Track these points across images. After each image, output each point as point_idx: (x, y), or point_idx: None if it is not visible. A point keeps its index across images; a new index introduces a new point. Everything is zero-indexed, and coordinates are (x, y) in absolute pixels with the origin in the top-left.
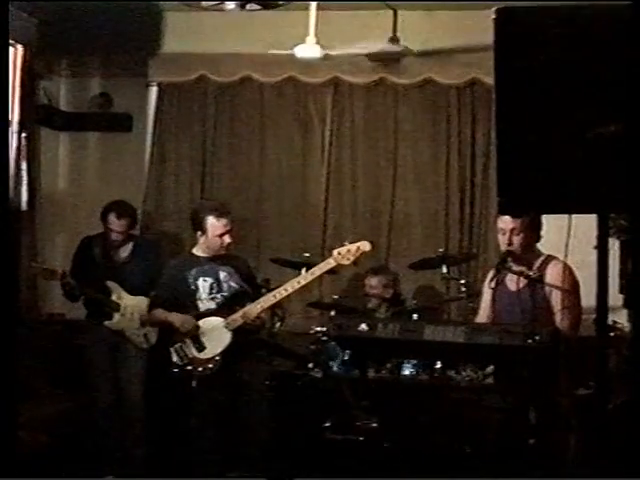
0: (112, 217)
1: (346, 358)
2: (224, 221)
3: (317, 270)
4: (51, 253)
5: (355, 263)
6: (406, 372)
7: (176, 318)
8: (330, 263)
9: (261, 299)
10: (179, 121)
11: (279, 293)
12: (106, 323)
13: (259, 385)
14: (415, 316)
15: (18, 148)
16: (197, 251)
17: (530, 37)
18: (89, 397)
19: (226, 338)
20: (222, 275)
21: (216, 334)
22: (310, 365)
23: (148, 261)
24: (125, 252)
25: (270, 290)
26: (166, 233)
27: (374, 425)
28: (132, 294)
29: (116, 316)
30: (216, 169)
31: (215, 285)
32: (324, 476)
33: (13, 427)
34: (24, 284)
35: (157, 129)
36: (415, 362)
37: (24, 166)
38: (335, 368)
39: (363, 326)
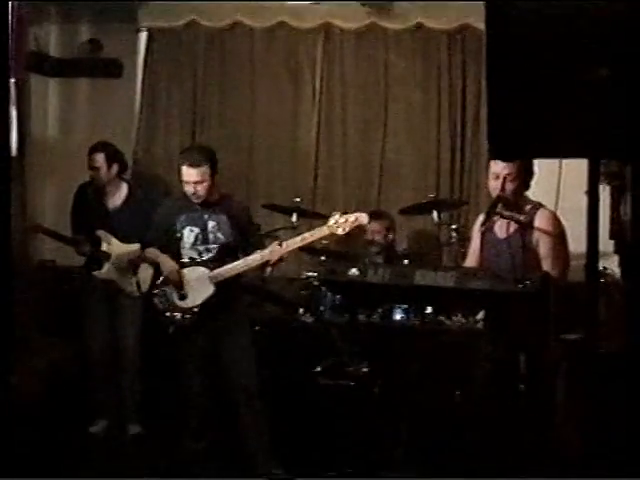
0: (97, 156)
1: (337, 303)
2: (194, 171)
3: (309, 236)
4: (41, 200)
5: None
6: (397, 317)
7: (164, 263)
8: (324, 231)
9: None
10: (169, 67)
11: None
12: (95, 273)
13: (248, 333)
14: (406, 261)
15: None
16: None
17: None
18: (83, 345)
19: (208, 290)
20: (210, 225)
21: (199, 284)
22: (301, 310)
23: (142, 208)
24: (119, 199)
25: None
26: (158, 178)
27: (365, 370)
28: (125, 241)
29: (106, 265)
30: (206, 115)
31: (200, 236)
32: (315, 423)
33: (8, 376)
34: (14, 231)
35: (147, 75)
36: (406, 307)
37: (13, 112)
38: (326, 313)
39: (354, 271)
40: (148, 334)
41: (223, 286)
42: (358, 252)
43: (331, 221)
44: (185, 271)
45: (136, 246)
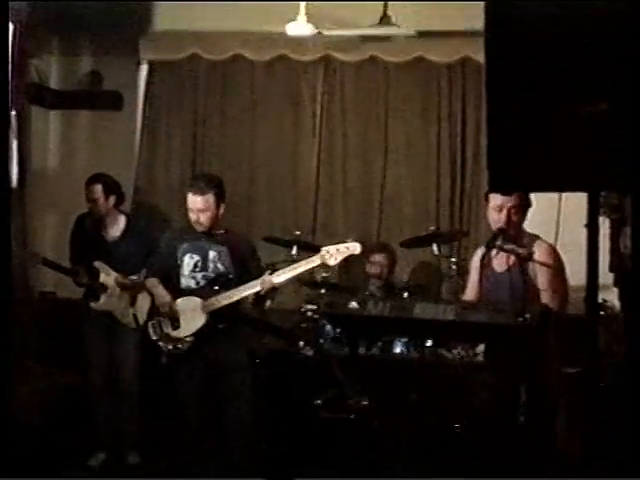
0: (95, 188)
1: (337, 336)
2: (197, 198)
3: (300, 267)
4: (41, 231)
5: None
6: (397, 350)
7: (158, 294)
8: (314, 261)
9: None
10: (170, 99)
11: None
12: (92, 305)
13: (242, 366)
14: (406, 294)
15: (8, 126)
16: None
17: (521, 14)
18: (82, 375)
19: (200, 320)
20: (211, 254)
21: (192, 314)
22: (301, 343)
23: (140, 240)
24: (117, 231)
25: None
26: (157, 210)
27: (365, 403)
28: (123, 273)
29: (103, 297)
30: (207, 147)
31: (200, 263)
32: (316, 455)
33: (8, 405)
34: (15, 263)
35: (148, 107)
36: (406, 340)
37: (14, 144)
38: (326, 346)
39: (354, 304)
40: (147, 365)
41: (216, 316)
42: (358, 285)
43: (322, 251)
44: (179, 301)
45: (133, 278)
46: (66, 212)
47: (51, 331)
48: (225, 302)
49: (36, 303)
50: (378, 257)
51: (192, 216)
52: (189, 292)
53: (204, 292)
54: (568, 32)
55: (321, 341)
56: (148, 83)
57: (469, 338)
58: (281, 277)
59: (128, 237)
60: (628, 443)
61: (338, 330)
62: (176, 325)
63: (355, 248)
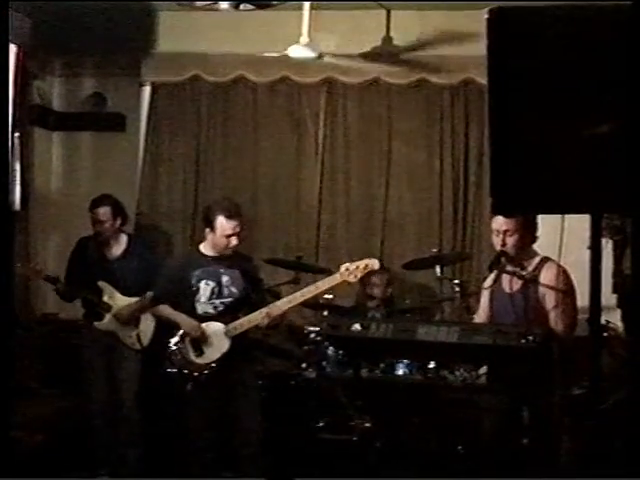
0: (103, 210)
1: (340, 358)
2: (233, 223)
3: (322, 284)
4: (44, 253)
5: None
6: (400, 372)
7: (184, 321)
8: (336, 279)
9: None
10: (173, 121)
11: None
12: (96, 324)
13: (255, 387)
14: (408, 316)
15: (11, 148)
16: (204, 248)
17: (523, 37)
18: (84, 397)
19: (225, 345)
20: (224, 279)
21: (216, 340)
22: (304, 365)
23: (142, 259)
24: (119, 250)
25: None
26: (160, 232)
27: (367, 425)
28: (125, 292)
29: (107, 317)
30: (210, 169)
31: (216, 290)
32: (318, 476)
33: (8, 427)
34: (17, 284)
35: (151, 129)
36: (408, 362)
37: (17, 166)
38: (329, 368)
39: (356, 326)
40: (148, 388)
41: (238, 340)
42: (359, 306)
43: (342, 269)
44: (203, 326)
45: (137, 299)
46: (69, 233)
47: (53, 352)
48: (248, 326)
49: (38, 324)
50: (374, 278)
51: (222, 240)
52: (208, 318)
53: (223, 317)
54: (571, 54)
55: (324, 363)
56: (151, 104)
57: (472, 360)
58: (305, 296)
59: (129, 255)
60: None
61: (341, 352)
62: (200, 352)
63: (374, 264)
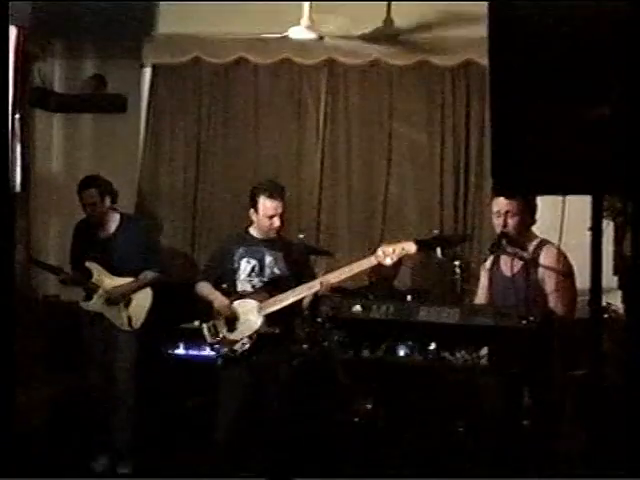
0: (90, 192)
1: (341, 339)
2: (275, 203)
3: (356, 267)
4: (45, 235)
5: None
6: (401, 353)
7: (216, 299)
8: (372, 262)
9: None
10: (173, 103)
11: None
12: (82, 304)
13: (283, 368)
14: (409, 297)
15: (12, 130)
16: (252, 230)
17: (524, 18)
18: (83, 379)
19: (257, 322)
20: (268, 259)
21: (249, 317)
22: (305, 346)
23: (134, 238)
24: (110, 229)
25: None
26: (161, 212)
27: (369, 406)
28: (117, 272)
29: (94, 297)
30: (210, 151)
31: (257, 268)
32: (319, 468)
33: (11, 409)
34: (18, 266)
35: (151, 110)
36: (410, 343)
37: (18, 148)
38: (330, 349)
39: (358, 307)
40: (143, 369)
41: (271, 318)
42: (362, 289)
43: (378, 252)
44: (236, 304)
45: (128, 279)
46: (70, 215)
47: (54, 334)
48: (282, 304)
49: (39, 306)
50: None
51: (265, 221)
52: (245, 295)
53: (259, 295)
54: (571, 36)
55: (325, 344)
56: (151, 86)
57: (472, 341)
58: (338, 278)
59: (120, 235)
60: (628, 443)
61: (342, 334)
62: (232, 327)
63: (410, 248)
